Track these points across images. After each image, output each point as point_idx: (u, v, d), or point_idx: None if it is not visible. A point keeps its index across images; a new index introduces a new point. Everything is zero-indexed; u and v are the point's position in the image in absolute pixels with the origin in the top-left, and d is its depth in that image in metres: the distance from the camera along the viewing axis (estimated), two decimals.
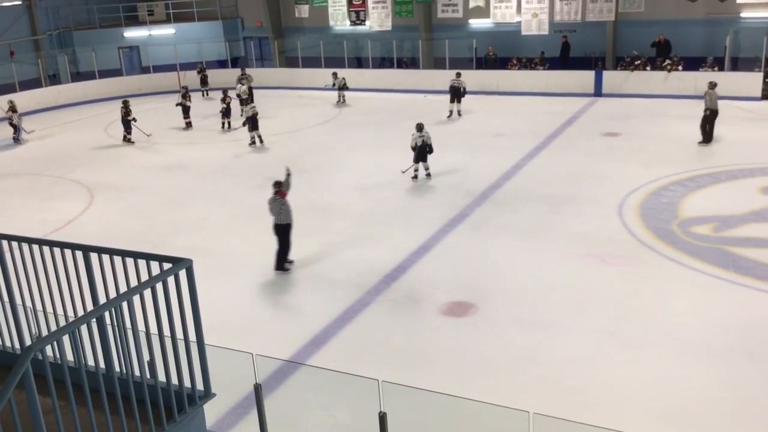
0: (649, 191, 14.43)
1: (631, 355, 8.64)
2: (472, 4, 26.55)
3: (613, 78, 24.55)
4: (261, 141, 20.28)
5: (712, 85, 17.74)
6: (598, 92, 24.48)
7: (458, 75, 22.82)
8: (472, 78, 26.51)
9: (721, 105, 21.81)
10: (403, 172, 16.10)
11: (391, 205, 14.77)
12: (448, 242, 12.58)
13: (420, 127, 15.93)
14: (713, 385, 7.98)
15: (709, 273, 10.77)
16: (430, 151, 15.89)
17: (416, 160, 15.93)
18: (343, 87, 25.66)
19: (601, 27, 25.75)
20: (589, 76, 24.70)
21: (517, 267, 11.35)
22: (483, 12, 26.52)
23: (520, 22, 25.76)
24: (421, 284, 10.87)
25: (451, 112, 22.68)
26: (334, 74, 26.04)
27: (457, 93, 22.44)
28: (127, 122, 21.25)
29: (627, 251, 11.68)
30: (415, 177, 16.05)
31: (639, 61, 24.17)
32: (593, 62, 25.57)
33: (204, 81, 28.68)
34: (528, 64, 26.14)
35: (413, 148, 15.89)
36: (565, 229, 12.79)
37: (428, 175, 16.11)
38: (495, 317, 9.80)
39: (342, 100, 25.60)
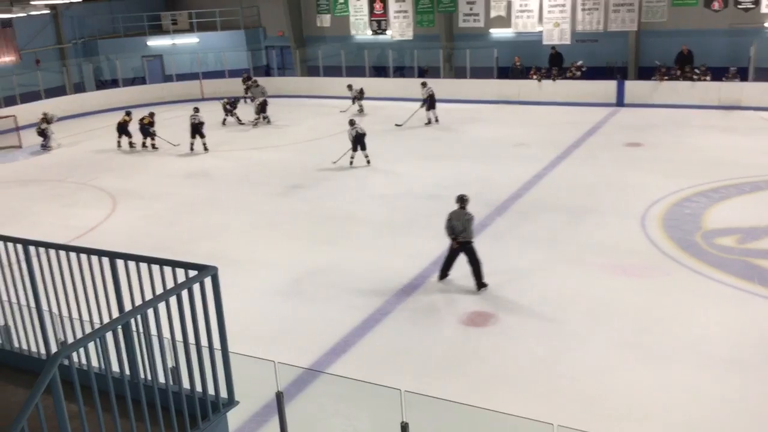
0: (672, 202, 14.31)
1: (654, 367, 8.55)
2: (493, 14, 26.55)
3: (635, 88, 24.40)
4: (192, 148, 21.32)
5: (462, 201, 11.04)
6: (620, 102, 24.34)
7: (424, 84, 23.44)
8: (493, 88, 26.53)
9: (747, 115, 21.72)
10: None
11: (411, 213, 14.76)
12: None
13: (351, 123, 18.58)
14: (737, 398, 7.87)
15: (733, 285, 10.64)
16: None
17: (354, 149, 18.35)
18: (359, 97, 25.75)
19: (624, 37, 25.62)
20: (611, 85, 24.57)
21: (538, 277, 11.29)
22: (504, 22, 26.51)
23: (541, 32, 25.70)
24: (442, 293, 10.84)
25: (429, 120, 23.21)
26: (349, 86, 26.16)
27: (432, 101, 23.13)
28: (146, 130, 21.90)
29: (650, 262, 11.58)
30: (351, 163, 18.43)
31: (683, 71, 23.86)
32: (615, 72, 25.41)
33: (249, 89, 28.66)
34: (547, 74, 26.02)
35: (351, 141, 18.34)
36: (587, 239, 12.71)
37: (368, 162, 18.49)
38: (516, 327, 9.75)
39: (360, 110, 25.65)
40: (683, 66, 24.04)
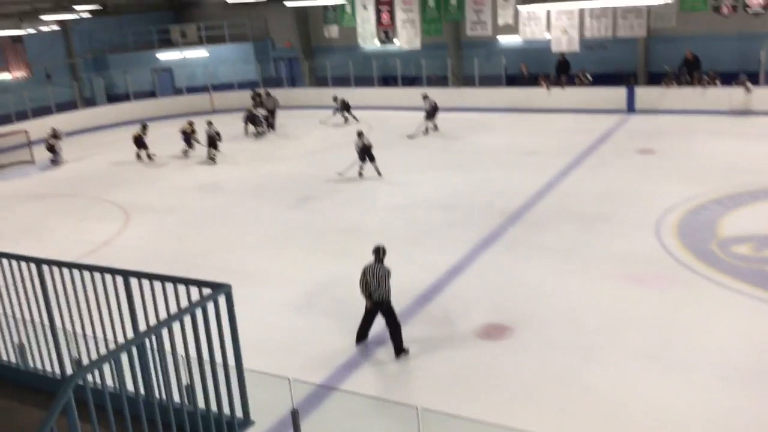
0: (687, 210, 14.18)
1: (673, 380, 8.43)
2: (501, 22, 26.50)
3: (645, 94, 24.28)
4: (213, 159, 21.63)
5: (378, 253, 9.68)
6: (630, 108, 24.22)
7: (426, 96, 23.49)
8: (501, 96, 26.46)
9: (758, 121, 21.58)
10: (340, 174, 18.66)
11: (423, 225, 14.69)
12: (482, 262, 12.46)
13: (359, 134, 18.52)
14: (757, 410, 7.75)
15: (750, 294, 10.51)
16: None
17: (362, 160, 18.35)
18: (344, 107, 25.86)
19: (633, 43, 25.52)
20: (621, 92, 24.45)
21: (553, 288, 11.19)
22: (512, 29, 26.45)
23: (549, 40, 25.65)
24: (456, 306, 10.75)
25: (427, 129, 23.29)
26: (335, 97, 26.29)
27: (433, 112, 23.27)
28: (189, 139, 22.68)
29: (666, 272, 11.46)
30: (360, 174, 18.46)
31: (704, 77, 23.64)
32: (627, 79, 25.27)
33: (262, 102, 28.03)
34: (556, 81, 25.92)
35: (358, 152, 18.34)
36: (602, 249, 12.59)
37: (378, 173, 18.42)
38: (532, 341, 9.65)
39: (346, 120, 25.76)
40: (690, 71, 23.90)
